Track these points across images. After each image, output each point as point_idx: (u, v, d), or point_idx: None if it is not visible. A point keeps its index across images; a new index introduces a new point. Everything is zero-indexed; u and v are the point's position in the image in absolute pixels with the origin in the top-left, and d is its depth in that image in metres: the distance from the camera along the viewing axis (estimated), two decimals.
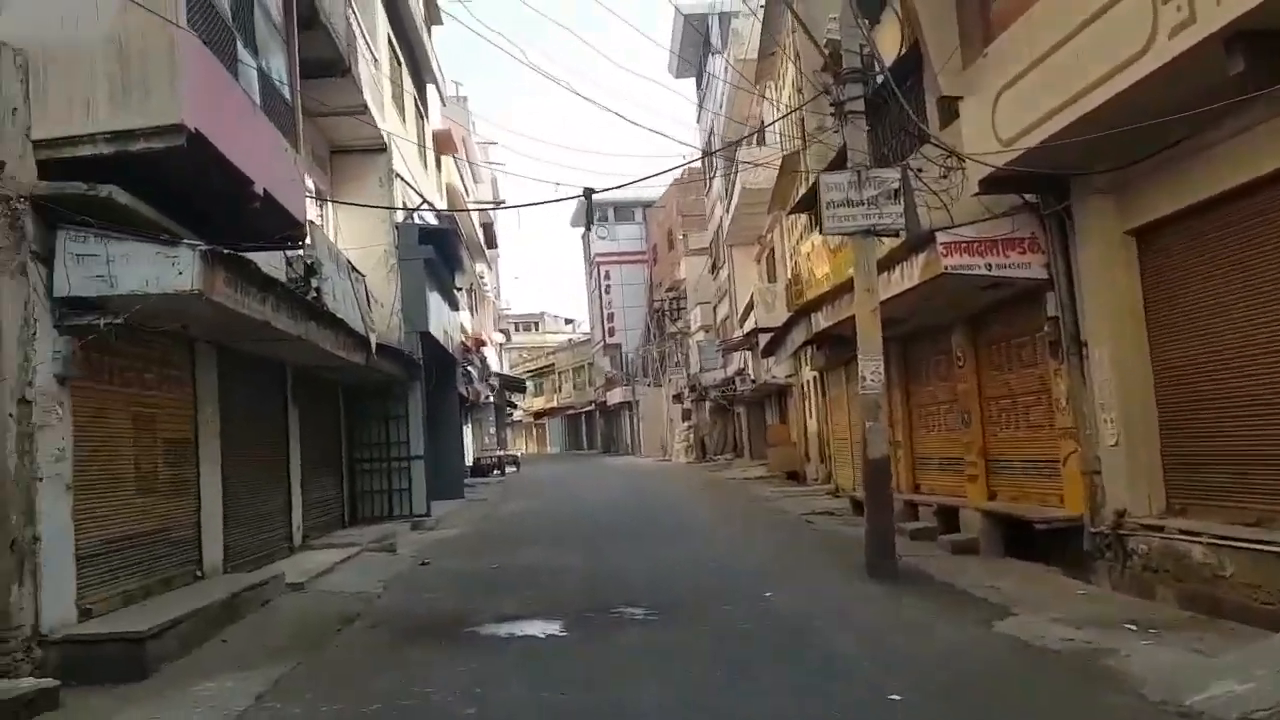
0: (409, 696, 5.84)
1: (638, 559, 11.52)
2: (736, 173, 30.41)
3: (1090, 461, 8.84)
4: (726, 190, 34.41)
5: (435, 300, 19.04)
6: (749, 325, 29.96)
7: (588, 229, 13.78)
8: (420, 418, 17.28)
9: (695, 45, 37.37)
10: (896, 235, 10.45)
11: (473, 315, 35.27)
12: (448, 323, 20.93)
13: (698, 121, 41.02)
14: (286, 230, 9.03)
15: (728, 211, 34.39)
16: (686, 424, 44.43)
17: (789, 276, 26.93)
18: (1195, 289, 7.58)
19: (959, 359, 12.42)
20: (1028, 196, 9.46)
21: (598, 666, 6.50)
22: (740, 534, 14.04)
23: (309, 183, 14.46)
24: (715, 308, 41.05)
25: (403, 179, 17.95)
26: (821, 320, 14.34)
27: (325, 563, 11.10)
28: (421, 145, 22.36)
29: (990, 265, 9.72)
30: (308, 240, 9.95)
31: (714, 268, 41.32)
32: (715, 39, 35.44)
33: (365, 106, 14.45)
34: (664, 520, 16.63)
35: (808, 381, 24.79)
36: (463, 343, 25.00)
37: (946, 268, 9.64)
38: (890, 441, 14.85)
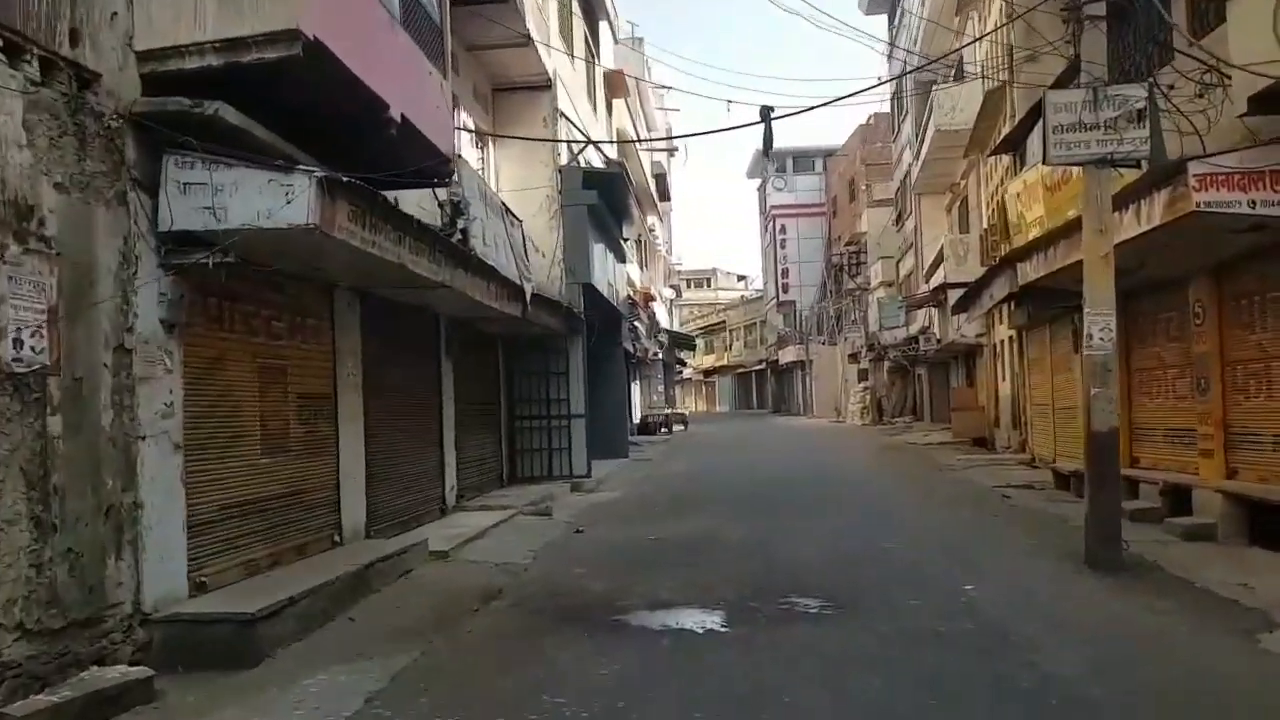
0: (537, 708, 4.91)
1: (811, 536, 10.25)
2: (930, 114, 27.87)
3: None
4: (917, 134, 31.81)
5: (600, 250, 18.21)
6: (936, 280, 27.64)
7: (766, 154, 12.36)
8: (582, 374, 16.54)
9: None
10: (1137, 166, 8.62)
11: (642, 269, 34.50)
12: (613, 275, 20.10)
13: (889, 58, 38.19)
14: (430, 163, 8.19)
15: (917, 158, 31.81)
16: (863, 384, 42.24)
17: (985, 226, 24.46)
18: None
19: (1197, 316, 10.62)
20: None
21: (763, 673, 5.40)
22: (928, 508, 12.46)
23: (466, 119, 13.81)
24: (898, 263, 38.49)
25: (568, 119, 17.10)
26: (1029, 271, 12.41)
27: (476, 527, 10.49)
28: (591, 85, 21.47)
29: (1254, 203, 7.91)
30: (455, 177, 9.12)
31: (899, 219, 38.69)
32: None
33: (528, 37, 13.58)
34: (840, 489, 15.23)
35: (1002, 341, 22.44)
36: (629, 297, 24.17)
37: (1199, 204, 7.89)
38: None
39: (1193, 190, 7.89)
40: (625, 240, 22.50)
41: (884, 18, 37.63)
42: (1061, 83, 10.02)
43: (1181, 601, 6.83)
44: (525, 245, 12.53)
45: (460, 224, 9.25)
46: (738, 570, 8.44)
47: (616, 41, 27.05)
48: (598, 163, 18.42)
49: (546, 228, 16.10)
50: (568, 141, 16.67)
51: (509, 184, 15.60)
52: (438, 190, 9.53)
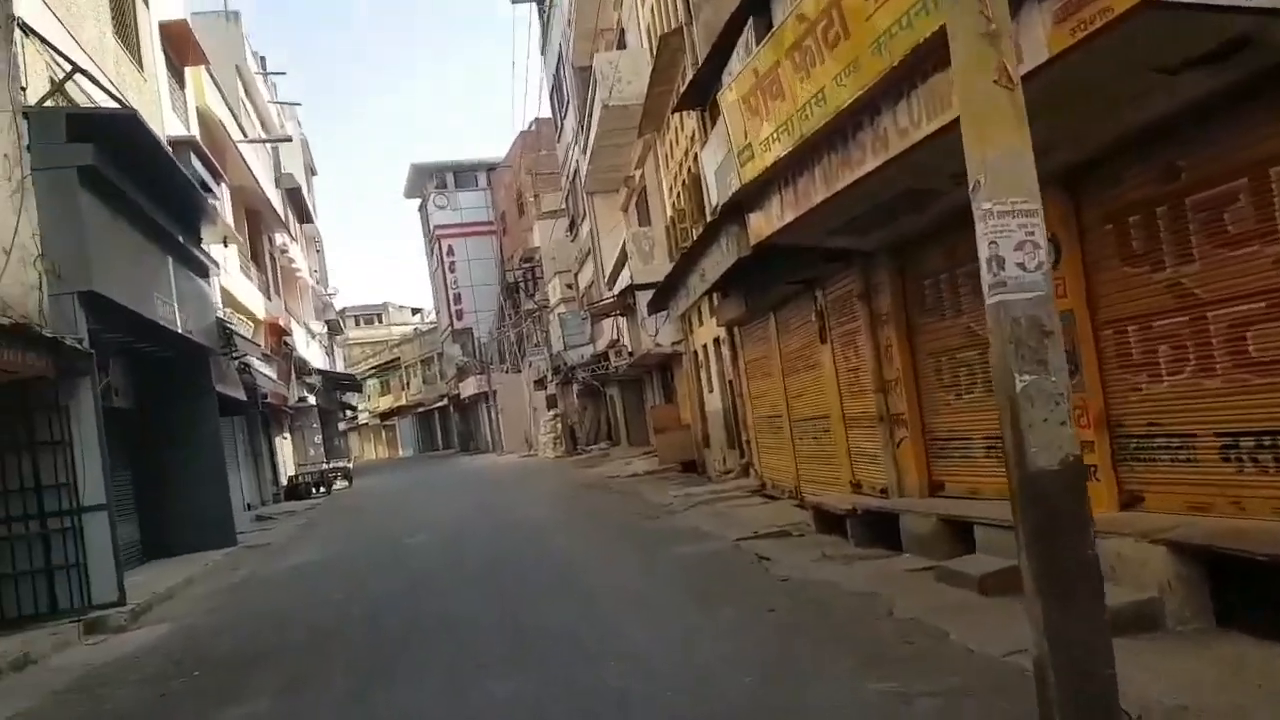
0: None
1: (473, 684, 5.12)
2: (594, 90, 24.02)
3: None
4: (581, 124, 28.02)
5: (130, 246, 11.88)
6: (622, 283, 23.79)
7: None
8: (96, 440, 10.16)
9: None
10: None
11: (270, 297, 27.65)
12: (177, 291, 13.69)
13: (543, 52, 34.36)
14: None
15: (585, 152, 28.01)
16: (552, 413, 37.98)
17: (671, 214, 20.86)
18: None
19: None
20: None
21: None
22: (659, 609, 7.64)
23: None
24: (577, 275, 34.68)
25: (41, 38, 10.70)
26: (773, 217, 8.22)
27: None
28: (125, 24, 14.91)
29: None
30: None
31: (572, 226, 34.92)
32: None
33: None
34: (525, 563, 10.26)
35: (704, 346, 18.78)
36: (225, 327, 17.66)
37: None
38: (890, 417, 9.03)
39: None
40: (203, 245, 16.02)
41: (532, 5, 33.74)
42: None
43: None
44: None
45: None
46: None
47: None
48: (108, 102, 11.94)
49: (6, 204, 9.65)
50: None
51: None
52: None
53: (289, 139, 30.01)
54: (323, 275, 48.78)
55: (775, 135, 7.62)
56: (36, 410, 9.96)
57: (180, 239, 14.17)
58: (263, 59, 34.20)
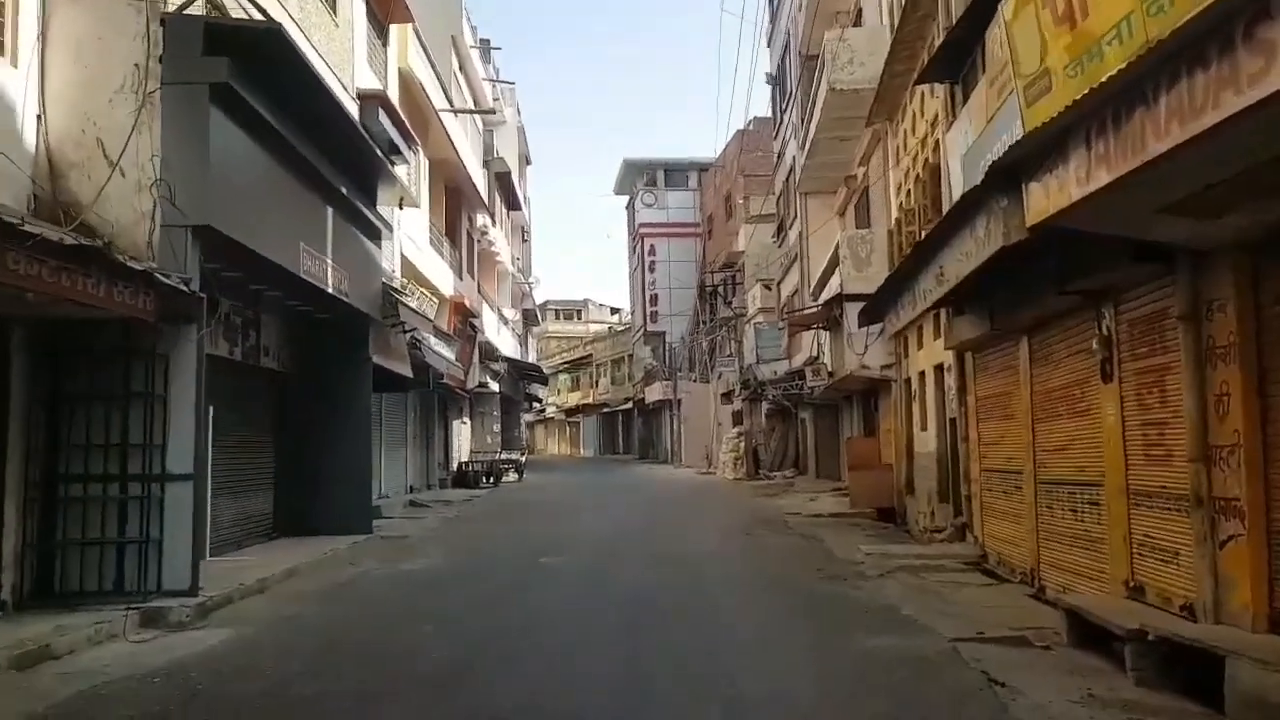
0: None
1: None
2: (822, 74, 21.44)
3: None
4: (803, 117, 25.45)
5: (262, 180, 10.50)
6: (829, 293, 21.03)
7: None
8: (195, 398, 8.77)
9: None
10: None
11: (460, 276, 26.90)
12: (328, 244, 12.40)
13: (769, 43, 32.06)
14: None
15: (803, 147, 25.43)
16: (736, 430, 35.49)
17: (896, 217, 17.96)
18: None
19: None
20: None
21: None
22: None
23: None
24: (780, 284, 32.09)
25: None
26: (1079, 176, 5.40)
27: None
28: None
29: None
30: None
31: (780, 230, 32.37)
32: None
33: None
34: (670, 628, 7.95)
35: (922, 373, 15.75)
36: (394, 295, 16.49)
37: None
38: (1213, 501, 6.08)
39: None
40: (378, 207, 14.82)
41: None
42: None
43: None
44: None
45: None
46: None
47: None
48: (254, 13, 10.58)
49: (124, 123, 8.41)
50: None
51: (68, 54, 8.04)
52: None
53: (493, 111, 29.26)
54: (525, 265, 48.68)
55: (1096, 49, 4.89)
56: (134, 356, 8.67)
57: (346, 192, 12.89)
58: (485, 40, 33.95)
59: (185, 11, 9.01)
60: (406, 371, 17.59)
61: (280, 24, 10.31)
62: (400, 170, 18.10)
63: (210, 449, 9.78)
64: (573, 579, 10.55)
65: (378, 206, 14.77)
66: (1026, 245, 6.65)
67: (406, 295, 18.26)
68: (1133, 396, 7.26)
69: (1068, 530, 8.68)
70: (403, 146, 16.08)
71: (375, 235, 14.79)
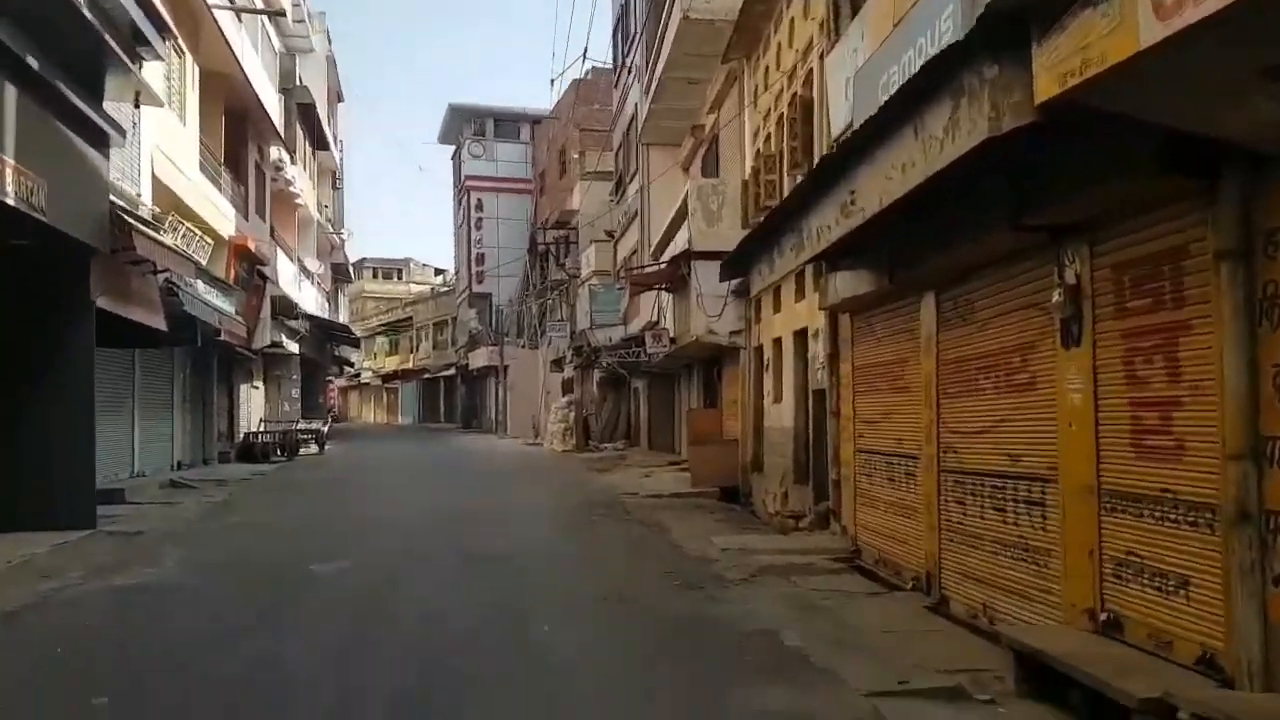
0: None
1: None
2: (669, 7, 19.16)
3: None
4: (648, 59, 23.18)
5: None
6: (675, 251, 18.96)
7: None
8: None
9: None
10: None
11: (246, 216, 23.04)
12: (15, 140, 8.95)
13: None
14: None
15: (647, 91, 23.21)
16: (566, 399, 33.20)
17: (753, 165, 15.95)
18: None
19: None
20: None
21: None
22: None
23: None
24: (617, 243, 29.89)
25: None
26: (1146, 18, 3.26)
27: None
28: None
29: None
30: None
31: (619, 186, 30.13)
32: None
33: None
34: (475, 678, 5.45)
35: (781, 340, 13.84)
36: (121, 217, 12.99)
37: None
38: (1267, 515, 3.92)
39: None
40: (104, 102, 11.30)
41: None
42: None
43: None
44: None
45: None
46: None
47: None
48: None
49: None
50: None
51: None
52: None
53: (283, 13, 25.15)
54: (337, 214, 44.24)
55: None
56: None
57: (42, 70, 9.42)
58: None
59: None
60: (159, 323, 14.08)
61: None
62: (155, 70, 14.43)
63: None
64: (345, 602, 7.84)
65: (105, 104, 11.28)
66: (960, 168, 4.64)
67: (161, 228, 14.66)
68: (1116, 366, 5.34)
69: (989, 534, 6.82)
70: (152, 35, 12.52)
71: (100, 141, 11.30)
